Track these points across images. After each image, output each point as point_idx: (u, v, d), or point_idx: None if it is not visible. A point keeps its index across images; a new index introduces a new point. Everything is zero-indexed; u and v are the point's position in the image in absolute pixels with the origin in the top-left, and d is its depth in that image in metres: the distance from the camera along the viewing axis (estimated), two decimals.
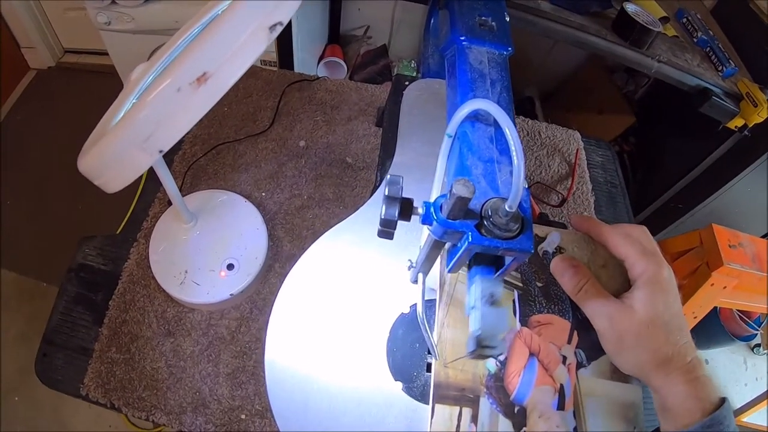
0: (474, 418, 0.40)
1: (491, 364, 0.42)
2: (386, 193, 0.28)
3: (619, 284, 0.42)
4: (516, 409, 0.41)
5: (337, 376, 0.46)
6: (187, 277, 0.57)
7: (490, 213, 0.27)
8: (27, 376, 1.41)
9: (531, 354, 0.43)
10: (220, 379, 0.55)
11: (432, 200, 0.29)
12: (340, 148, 0.77)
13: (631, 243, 0.41)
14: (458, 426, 0.39)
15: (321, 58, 1.73)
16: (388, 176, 0.28)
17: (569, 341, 0.45)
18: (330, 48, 1.75)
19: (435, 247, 0.31)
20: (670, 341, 0.38)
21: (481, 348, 0.28)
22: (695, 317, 1.15)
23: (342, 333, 0.48)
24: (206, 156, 0.73)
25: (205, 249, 0.60)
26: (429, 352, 0.46)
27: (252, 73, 0.86)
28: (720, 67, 1.16)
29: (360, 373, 0.46)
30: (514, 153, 0.25)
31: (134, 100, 0.33)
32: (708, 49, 1.20)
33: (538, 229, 0.48)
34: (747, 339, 1.71)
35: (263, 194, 0.70)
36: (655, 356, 0.38)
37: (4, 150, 1.81)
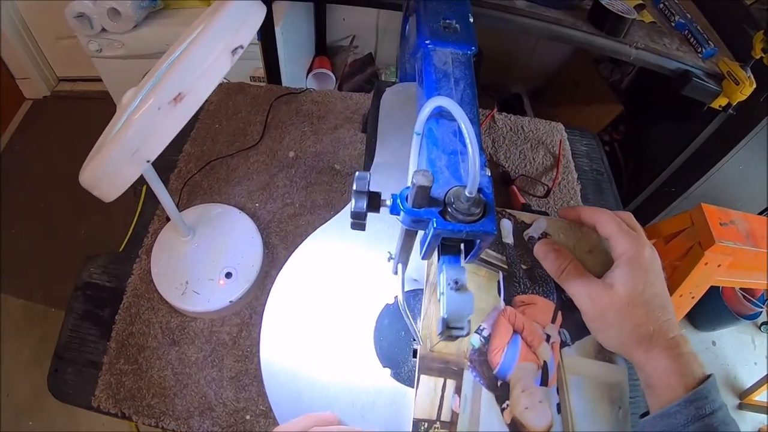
0: (458, 390, 0.41)
1: (475, 340, 0.43)
2: (354, 188, 0.30)
3: (605, 268, 0.42)
4: (499, 383, 0.42)
5: (327, 366, 0.48)
6: (188, 287, 0.60)
7: (452, 200, 0.29)
8: (40, 398, 1.44)
9: (515, 331, 0.44)
10: (225, 382, 0.57)
11: None
12: (328, 156, 0.79)
13: (617, 223, 0.42)
14: (442, 396, 0.40)
15: (310, 71, 1.76)
16: (356, 173, 0.30)
17: (553, 321, 0.46)
18: (318, 60, 1.78)
19: (408, 237, 0.33)
20: (651, 318, 0.38)
21: (448, 330, 0.30)
22: (693, 297, 1.15)
23: (331, 326, 0.50)
24: (201, 172, 0.76)
25: (203, 260, 0.62)
26: (414, 339, 0.47)
27: (240, 89, 0.89)
28: (699, 49, 1.17)
29: (349, 362, 0.48)
30: (468, 142, 0.28)
31: (125, 120, 0.36)
32: (686, 32, 1.21)
33: (525, 216, 0.50)
34: (752, 317, 1.69)
35: (257, 205, 0.73)
36: (635, 332, 0.39)
37: (5, 180, 1.85)
